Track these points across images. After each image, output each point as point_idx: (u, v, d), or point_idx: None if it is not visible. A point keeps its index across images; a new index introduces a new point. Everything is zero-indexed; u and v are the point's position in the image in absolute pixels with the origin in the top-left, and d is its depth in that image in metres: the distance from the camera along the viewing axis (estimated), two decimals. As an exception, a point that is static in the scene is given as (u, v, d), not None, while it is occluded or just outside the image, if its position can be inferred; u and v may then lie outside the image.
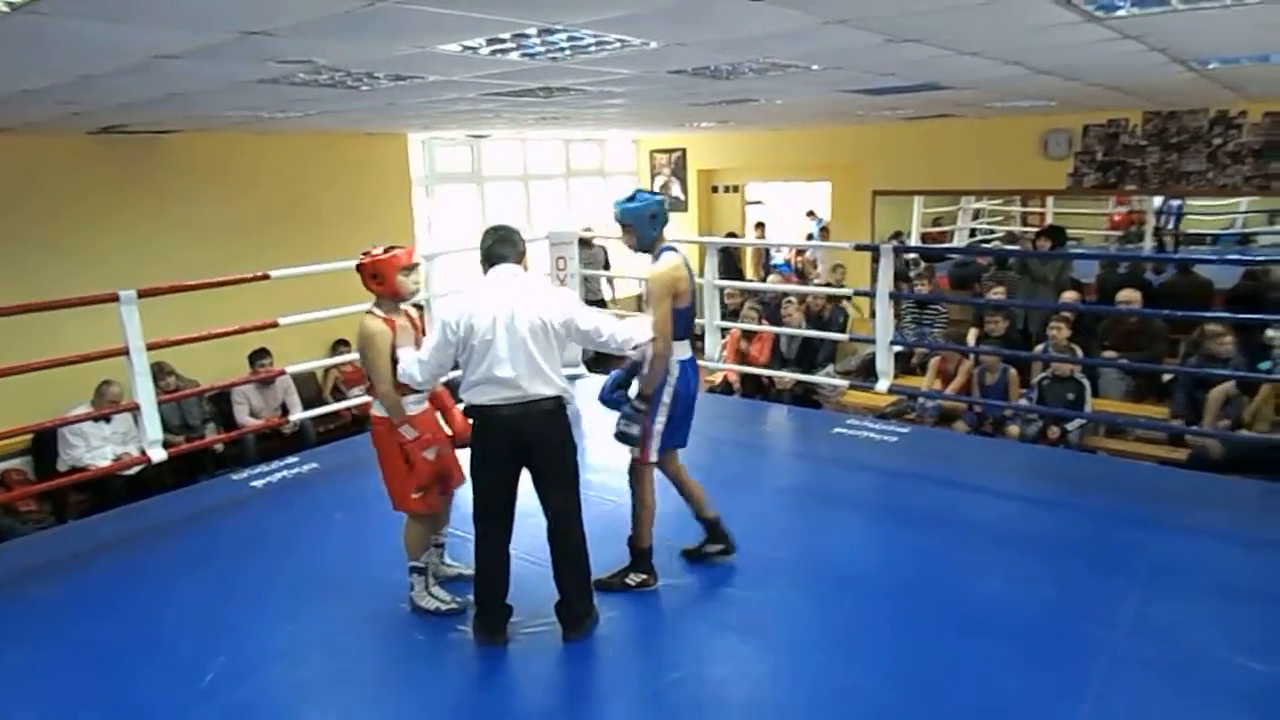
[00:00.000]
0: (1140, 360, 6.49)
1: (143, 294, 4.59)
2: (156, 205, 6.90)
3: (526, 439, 3.02)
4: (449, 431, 3.46)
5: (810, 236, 12.39)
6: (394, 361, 3.19)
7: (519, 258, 3.12)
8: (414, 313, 3.49)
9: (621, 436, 3.42)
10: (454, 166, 9.51)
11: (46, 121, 5.26)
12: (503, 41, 3.10)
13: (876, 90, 5.34)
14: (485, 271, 3.12)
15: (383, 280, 3.29)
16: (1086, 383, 6.13)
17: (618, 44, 3.25)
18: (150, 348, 4.69)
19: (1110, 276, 8.33)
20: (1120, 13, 2.93)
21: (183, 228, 7.00)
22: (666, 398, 3.38)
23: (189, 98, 4.27)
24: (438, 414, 3.48)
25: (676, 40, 3.22)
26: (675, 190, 11.27)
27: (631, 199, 3.43)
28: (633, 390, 3.43)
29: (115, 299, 4.50)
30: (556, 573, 3.20)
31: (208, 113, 5.19)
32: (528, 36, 3.03)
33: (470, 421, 3.08)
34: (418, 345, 3.27)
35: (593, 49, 3.35)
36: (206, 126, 6.35)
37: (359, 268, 3.37)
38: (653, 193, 3.51)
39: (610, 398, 3.48)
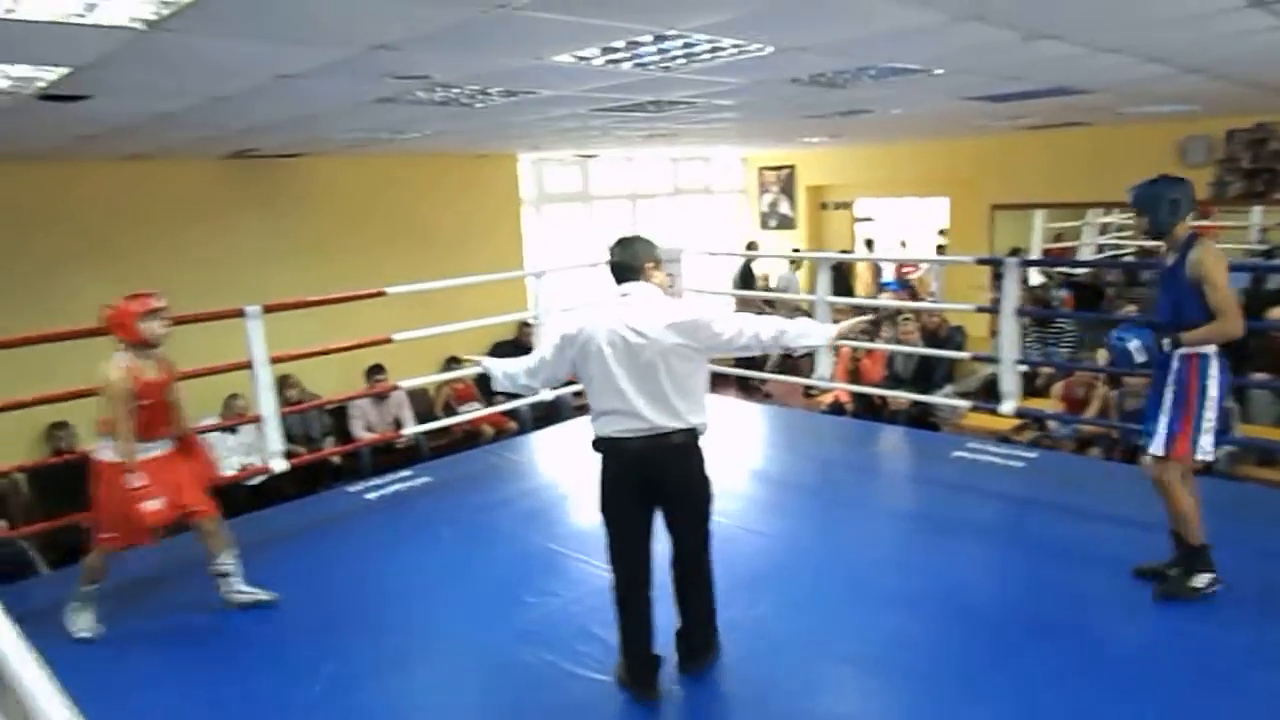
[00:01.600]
0: (1297, 382, 5.96)
1: (268, 309, 4.74)
2: (281, 225, 7.20)
3: (656, 475, 2.79)
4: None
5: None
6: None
7: (642, 272, 2.86)
8: (167, 360, 3.51)
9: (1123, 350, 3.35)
10: (563, 186, 9.61)
11: (182, 146, 5.53)
12: (616, 50, 3.06)
13: (1001, 96, 5.09)
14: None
15: (125, 329, 3.29)
16: (1235, 406, 5.65)
17: (733, 49, 3.17)
18: (273, 361, 4.85)
19: (1258, 292, 7.72)
20: (1289, -4, 2.67)
21: (305, 247, 7.27)
22: (1214, 390, 3.22)
23: (312, 120, 4.41)
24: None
25: (794, 43, 3.11)
26: (784, 207, 11.10)
27: (1154, 182, 3.29)
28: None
29: (241, 314, 4.67)
30: (681, 601, 2.99)
31: (329, 135, 5.37)
32: (641, 44, 2.98)
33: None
34: (168, 396, 3.38)
35: (706, 56, 3.27)
36: (328, 150, 6.59)
37: (104, 322, 3.37)
38: (1181, 180, 3.32)
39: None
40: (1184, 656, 3.07)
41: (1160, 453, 3.29)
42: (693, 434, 2.80)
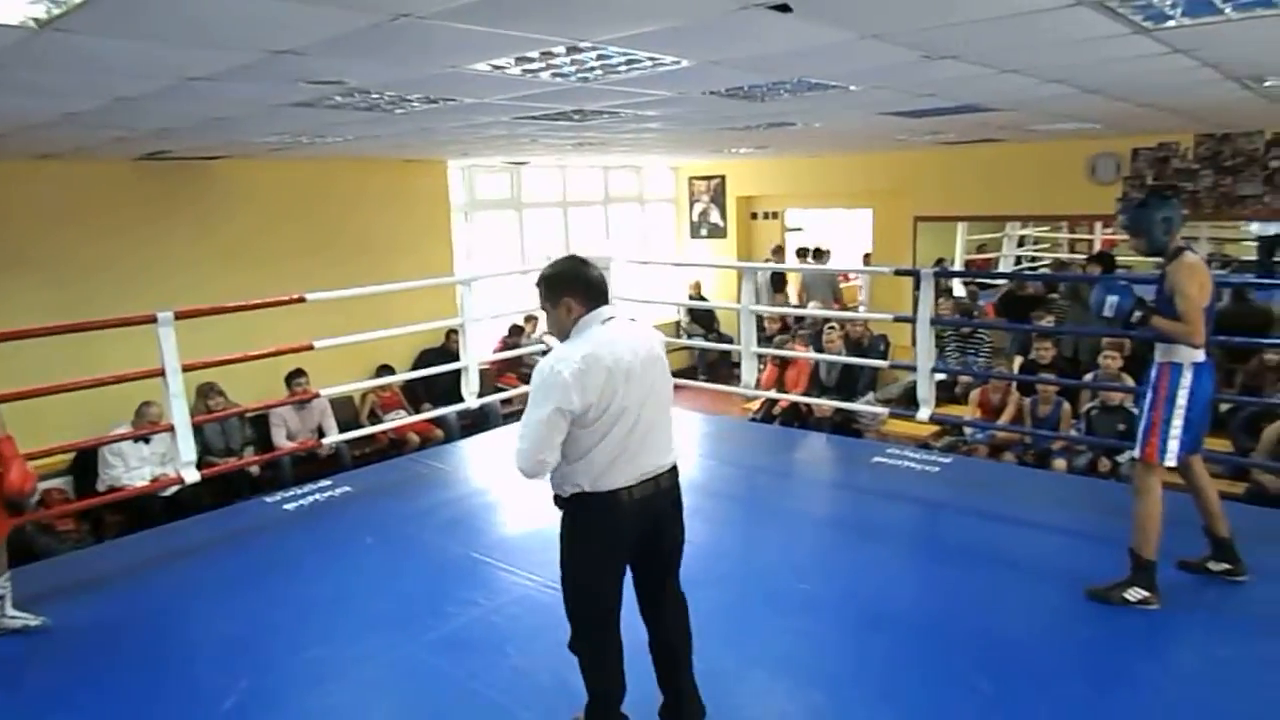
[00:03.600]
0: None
1: (179, 315, 4.64)
2: (199, 230, 7.01)
3: (655, 523, 2.53)
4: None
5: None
6: None
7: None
8: None
9: (1099, 301, 3.51)
10: (493, 193, 9.57)
11: (93, 147, 5.37)
12: (531, 60, 3.07)
13: (917, 113, 5.24)
14: (573, 313, 2.48)
15: None
16: (1138, 412, 5.89)
17: (649, 63, 3.21)
18: (187, 369, 4.73)
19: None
20: (1170, 23, 2.81)
21: (226, 253, 7.09)
22: (1182, 400, 3.38)
23: (227, 122, 4.32)
24: None
25: (708, 58, 3.16)
26: (714, 217, 11.22)
27: (1144, 204, 3.53)
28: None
29: (153, 320, 4.56)
30: (671, 669, 2.68)
31: (248, 138, 5.26)
32: (556, 55, 3.00)
33: (584, 513, 2.48)
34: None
35: (623, 69, 3.31)
36: (248, 152, 6.45)
37: None
38: (1167, 198, 3.54)
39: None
40: (1083, 658, 3.19)
41: (1136, 454, 3.50)
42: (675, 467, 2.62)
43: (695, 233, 11.39)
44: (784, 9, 2.35)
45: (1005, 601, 3.67)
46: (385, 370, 7.68)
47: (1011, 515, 4.68)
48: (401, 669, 3.28)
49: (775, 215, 11.29)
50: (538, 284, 2.56)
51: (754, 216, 11.31)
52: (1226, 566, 3.63)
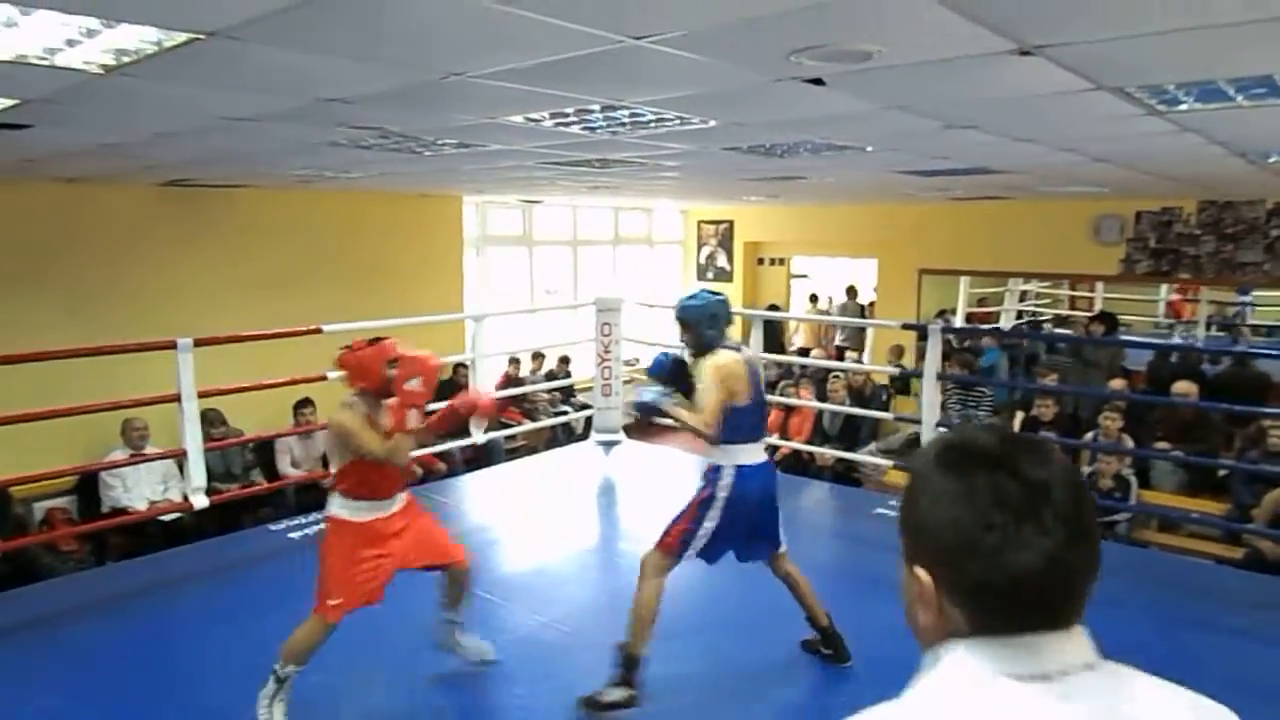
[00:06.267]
0: (1196, 453, 6.32)
1: (199, 343, 4.70)
2: (216, 256, 7.10)
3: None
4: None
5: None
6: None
7: None
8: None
9: (640, 406, 3.29)
10: (506, 229, 9.69)
11: (121, 174, 5.47)
12: (566, 115, 3.18)
13: (928, 172, 5.37)
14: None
15: (368, 375, 3.07)
16: (1133, 477, 5.97)
17: (677, 121, 3.32)
18: (201, 395, 4.79)
19: (1162, 365, 8.18)
20: (1182, 107, 2.93)
21: (240, 280, 7.17)
22: (720, 502, 3.22)
23: (257, 155, 4.43)
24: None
25: (736, 120, 3.28)
26: (721, 260, 11.35)
27: (693, 297, 3.32)
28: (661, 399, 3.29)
29: (173, 346, 4.62)
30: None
31: (272, 170, 5.37)
32: (591, 111, 3.11)
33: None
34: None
35: (652, 124, 3.42)
36: (269, 183, 6.56)
37: (339, 362, 3.14)
38: (715, 293, 3.38)
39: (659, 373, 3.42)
40: None
41: (658, 538, 3.28)
42: None
43: (701, 275, 11.51)
44: (818, 82, 2.45)
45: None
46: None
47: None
48: (403, 706, 3.30)
49: (782, 261, 11.43)
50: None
51: (760, 262, 11.45)
52: (830, 653, 3.55)
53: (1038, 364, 8.77)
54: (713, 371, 3.17)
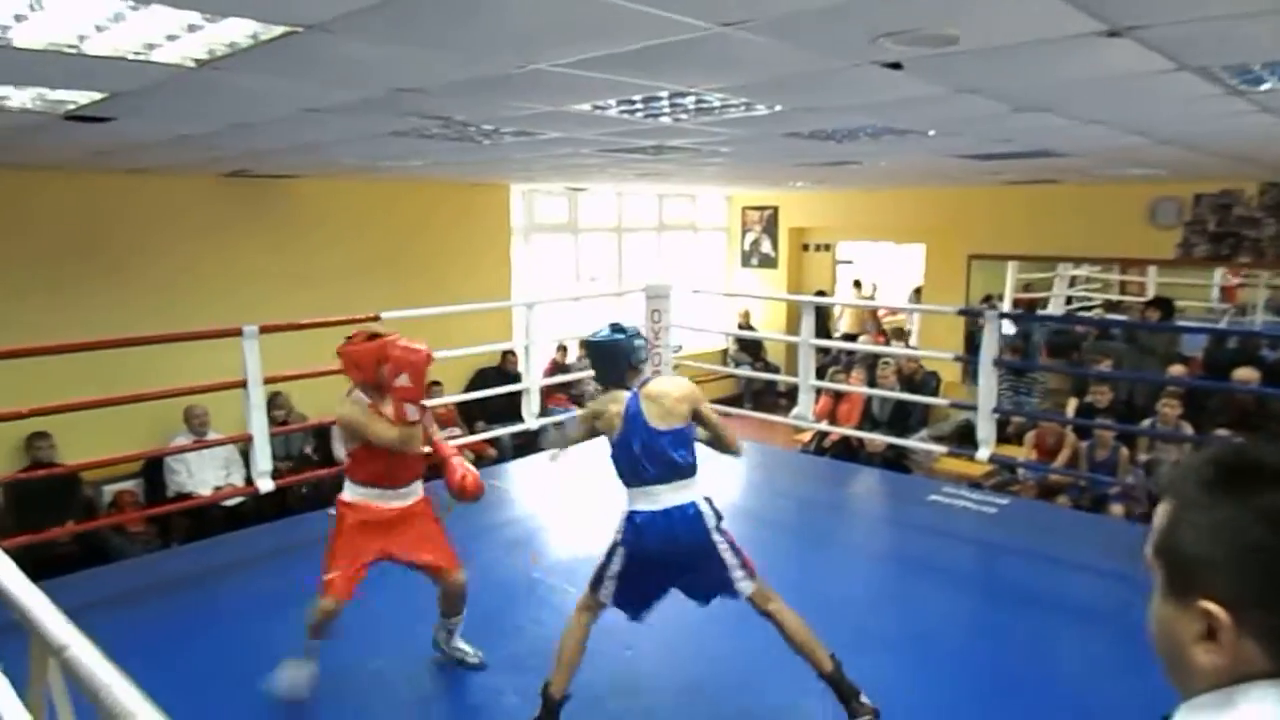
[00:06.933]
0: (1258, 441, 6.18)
1: (264, 329, 4.81)
2: (274, 245, 7.22)
3: None
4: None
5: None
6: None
7: None
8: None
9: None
10: (551, 217, 9.73)
11: (184, 164, 5.58)
12: (633, 102, 3.19)
13: (985, 156, 5.30)
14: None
15: (361, 369, 3.15)
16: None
17: (742, 107, 3.31)
18: (266, 381, 4.90)
19: (1219, 351, 8.01)
20: (1264, 87, 2.87)
21: (297, 268, 7.28)
22: (618, 549, 2.95)
23: (321, 146, 4.49)
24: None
25: (804, 106, 3.26)
26: (765, 247, 11.30)
27: (605, 335, 3.09)
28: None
29: (239, 333, 4.73)
30: None
31: (331, 159, 5.44)
32: (658, 99, 3.12)
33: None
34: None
35: (717, 110, 3.42)
36: (325, 172, 6.65)
37: (337, 354, 3.25)
38: (628, 331, 3.10)
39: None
40: (1132, 707, 3.19)
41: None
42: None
43: (746, 262, 11.47)
44: (896, 66, 2.44)
45: (1056, 647, 3.71)
46: (434, 386, 7.81)
47: (1068, 559, 4.69)
48: (463, 687, 3.38)
49: (827, 248, 11.35)
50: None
51: (805, 248, 11.38)
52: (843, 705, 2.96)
53: (1080, 351, 8.63)
54: (582, 412, 3.15)
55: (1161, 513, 0.88)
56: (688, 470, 2.94)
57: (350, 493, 3.20)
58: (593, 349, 3.09)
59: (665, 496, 2.88)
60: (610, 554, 2.96)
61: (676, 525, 2.87)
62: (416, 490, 3.28)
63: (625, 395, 2.98)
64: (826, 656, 2.92)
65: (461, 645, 3.50)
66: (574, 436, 3.13)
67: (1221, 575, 0.81)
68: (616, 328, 3.10)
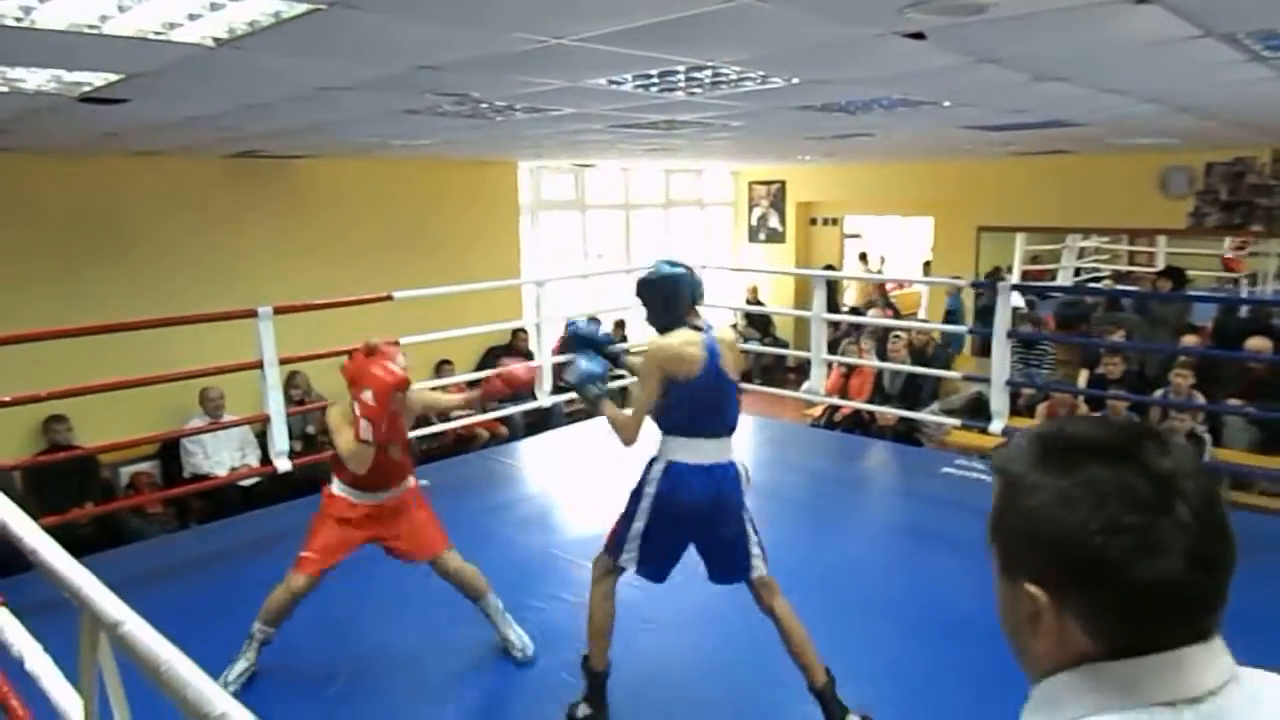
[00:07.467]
0: (1270, 409, 6.19)
1: (278, 310, 4.81)
2: (282, 226, 7.22)
3: None
4: None
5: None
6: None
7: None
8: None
9: (577, 377, 2.95)
10: (558, 194, 9.70)
11: (192, 146, 5.56)
12: (649, 76, 3.17)
13: (997, 127, 5.26)
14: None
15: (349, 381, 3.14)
16: (1207, 434, 5.88)
17: (758, 79, 3.29)
18: (282, 362, 4.91)
19: (1229, 320, 7.99)
20: (1288, 52, 2.84)
21: (306, 249, 7.29)
22: (646, 500, 2.80)
23: (334, 125, 4.48)
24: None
25: (822, 78, 3.24)
26: (773, 222, 11.26)
27: (651, 269, 2.88)
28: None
29: (254, 314, 4.73)
30: None
31: (342, 138, 5.42)
32: (674, 72, 3.10)
33: None
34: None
35: (732, 83, 3.40)
36: (334, 152, 6.63)
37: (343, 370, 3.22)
38: (676, 264, 2.86)
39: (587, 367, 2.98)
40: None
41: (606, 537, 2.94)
42: None
43: (753, 237, 11.43)
44: (918, 37, 2.42)
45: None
46: (444, 365, 7.84)
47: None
48: (491, 661, 3.40)
49: (834, 221, 11.31)
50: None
51: (813, 222, 11.33)
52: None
53: (1090, 322, 8.61)
54: (650, 355, 2.73)
55: (994, 493, 0.85)
56: (735, 428, 2.85)
57: (336, 487, 3.26)
58: (652, 286, 2.81)
59: (712, 451, 2.76)
60: (632, 512, 2.82)
61: (720, 481, 2.76)
62: (405, 485, 3.32)
63: (698, 336, 2.73)
64: (822, 669, 2.82)
65: (508, 633, 3.45)
66: (650, 387, 2.72)
67: (1042, 556, 0.78)
68: (672, 263, 2.86)
